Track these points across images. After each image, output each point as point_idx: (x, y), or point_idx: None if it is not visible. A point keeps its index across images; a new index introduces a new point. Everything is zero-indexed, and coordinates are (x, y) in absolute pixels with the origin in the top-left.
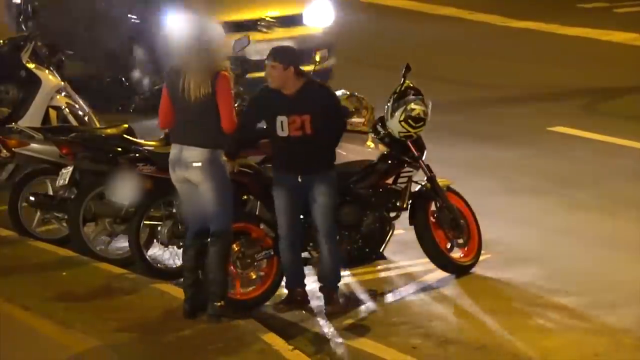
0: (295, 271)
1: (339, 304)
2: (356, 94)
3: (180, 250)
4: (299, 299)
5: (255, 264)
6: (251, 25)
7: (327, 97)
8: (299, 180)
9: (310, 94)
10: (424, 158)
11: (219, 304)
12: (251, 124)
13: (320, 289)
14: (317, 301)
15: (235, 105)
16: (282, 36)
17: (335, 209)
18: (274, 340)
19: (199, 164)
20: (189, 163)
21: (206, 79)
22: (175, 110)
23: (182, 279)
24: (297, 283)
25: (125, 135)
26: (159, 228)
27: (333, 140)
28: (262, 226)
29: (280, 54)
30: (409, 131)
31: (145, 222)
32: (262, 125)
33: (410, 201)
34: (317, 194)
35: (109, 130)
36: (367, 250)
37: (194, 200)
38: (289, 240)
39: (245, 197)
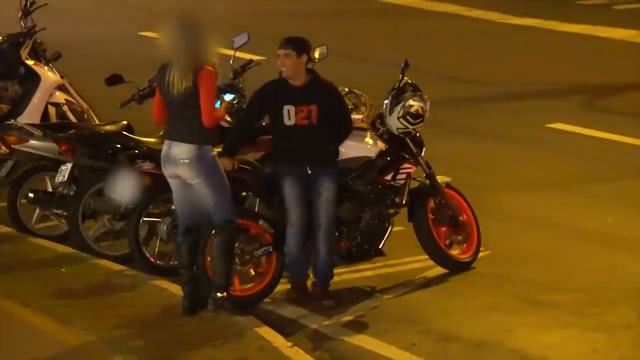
0: (301, 260)
1: (333, 299)
2: (355, 90)
3: None
4: (301, 291)
5: (254, 260)
6: None
7: (333, 92)
8: (309, 172)
9: (317, 86)
10: (422, 155)
11: (220, 294)
12: (254, 116)
13: (314, 284)
14: (312, 297)
15: (235, 102)
16: None
17: (336, 205)
18: (273, 337)
19: (187, 161)
20: (178, 160)
21: (188, 73)
22: (165, 106)
23: (177, 276)
24: (301, 274)
25: (124, 132)
26: (158, 225)
27: (338, 136)
28: (261, 223)
29: (293, 42)
30: (407, 128)
31: (145, 218)
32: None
33: (409, 198)
34: (322, 188)
35: (108, 127)
36: (366, 246)
37: (185, 195)
38: (300, 225)
39: (244, 193)
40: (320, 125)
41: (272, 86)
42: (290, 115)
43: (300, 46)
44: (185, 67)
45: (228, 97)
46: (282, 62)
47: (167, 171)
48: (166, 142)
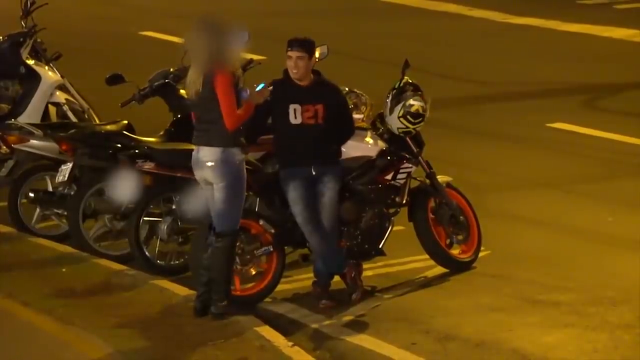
0: (336, 251)
1: (334, 299)
2: (355, 90)
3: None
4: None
5: (255, 260)
6: None
7: (337, 92)
8: (313, 172)
9: (322, 86)
10: (422, 154)
11: (222, 303)
12: (262, 115)
13: (314, 284)
14: (313, 296)
15: None
16: None
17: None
18: (273, 336)
19: (212, 164)
20: (203, 163)
21: (199, 77)
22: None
23: (178, 275)
24: (341, 264)
25: (124, 132)
26: (159, 224)
27: (341, 137)
28: (261, 222)
29: (306, 44)
30: (407, 127)
31: (145, 218)
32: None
33: (410, 197)
34: (326, 188)
35: (108, 127)
36: (367, 246)
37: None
38: (313, 223)
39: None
40: (326, 125)
41: (277, 85)
42: (296, 114)
43: (311, 48)
44: (198, 69)
45: None
46: (294, 63)
47: (197, 175)
48: (195, 146)
